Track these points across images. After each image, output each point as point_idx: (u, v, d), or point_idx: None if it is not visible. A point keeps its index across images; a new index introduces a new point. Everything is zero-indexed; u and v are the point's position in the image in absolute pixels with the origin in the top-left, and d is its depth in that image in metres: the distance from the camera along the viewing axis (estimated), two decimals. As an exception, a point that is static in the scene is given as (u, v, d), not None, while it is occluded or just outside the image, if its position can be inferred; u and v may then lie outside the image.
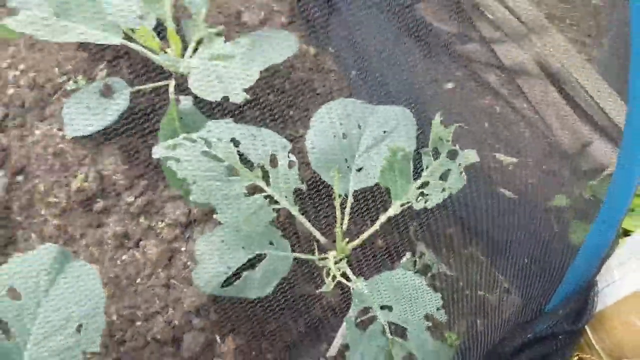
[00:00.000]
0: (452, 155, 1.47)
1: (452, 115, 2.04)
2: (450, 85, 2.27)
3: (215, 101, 1.60)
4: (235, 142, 1.52)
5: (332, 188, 1.54)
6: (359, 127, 1.70)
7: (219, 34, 1.98)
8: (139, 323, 1.50)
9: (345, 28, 2.14)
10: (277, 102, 1.99)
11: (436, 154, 1.50)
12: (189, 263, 1.61)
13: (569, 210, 1.51)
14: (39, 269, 1.25)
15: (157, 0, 1.88)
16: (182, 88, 1.83)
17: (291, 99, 2.03)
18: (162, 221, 1.70)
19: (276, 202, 1.51)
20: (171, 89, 1.84)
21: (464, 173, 1.41)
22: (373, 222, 1.57)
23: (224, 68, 1.66)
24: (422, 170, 1.52)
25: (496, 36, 2.37)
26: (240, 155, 1.50)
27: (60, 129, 1.84)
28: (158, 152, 1.43)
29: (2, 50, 1.99)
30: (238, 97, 1.58)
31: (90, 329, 1.21)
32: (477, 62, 2.29)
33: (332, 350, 1.55)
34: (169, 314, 1.51)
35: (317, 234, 1.59)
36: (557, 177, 1.81)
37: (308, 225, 1.58)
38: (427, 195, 1.45)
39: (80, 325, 1.20)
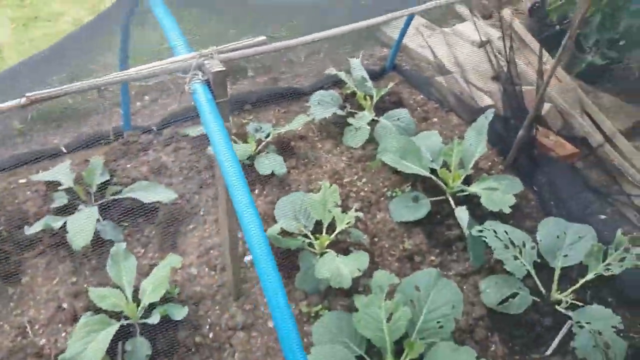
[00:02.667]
0: (627, 250, 2.86)
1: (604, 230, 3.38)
2: (602, 217, 3.64)
3: (493, 211, 3.13)
4: (506, 233, 3.01)
5: (550, 263, 2.97)
6: (564, 233, 3.14)
7: (487, 175, 3.57)
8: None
9: (545, 177, 3.65)
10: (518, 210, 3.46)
11: (617, 249, 2.89)
12: (473, 290, 3.04)
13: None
14: (429, 277, 2.75)
15: (469, 157, 3.52)
16: (457, 201, 3.39)
17: (512, 209, 3.50)
18: (453, 270, 3.17)
19: (524, 266, 2.94)
20: (452, 202, 3.41)
21: (635, 259, 2.79)
22: (573, 284, 2.94)
23: (494, 194, 3.21)
24: (607, 257, 2.91)
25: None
26: (509, 239, 2.99)
27: (389, 217, 3.44)
28: (474, 232, 2.95)
29: (365, 171, 3.70)
30: (506, 209, 3.10)
31: (457, 307, 2.65)
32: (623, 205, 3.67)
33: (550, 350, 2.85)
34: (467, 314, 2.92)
35: (541, 287, 2.98)
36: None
37: (538, 282, 2.98)
38: (610, 269, 2.83)
39: (453, 306, 2.65)
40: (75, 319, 2.77)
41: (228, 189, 1.58)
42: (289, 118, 4.17)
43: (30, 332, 2.73)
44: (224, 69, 1.80)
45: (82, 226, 2.90)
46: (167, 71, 1.81)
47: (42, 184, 3.45)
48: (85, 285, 2.93)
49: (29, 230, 2.99)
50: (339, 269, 2.76)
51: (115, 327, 2.49)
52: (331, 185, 3.26)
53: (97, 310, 2.65)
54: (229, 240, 2.58)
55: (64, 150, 3.87)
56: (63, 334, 2.72)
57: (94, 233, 2.92)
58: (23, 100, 1.62)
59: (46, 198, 3.35)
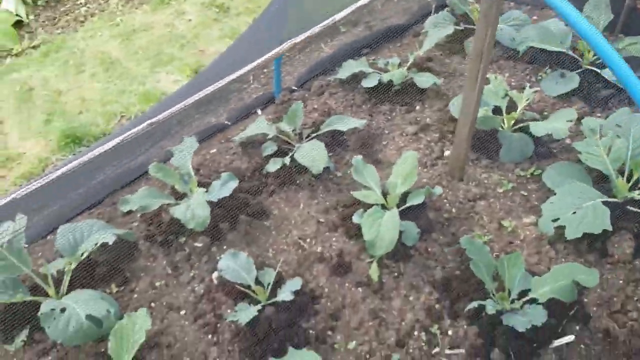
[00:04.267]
0: None
1: None
2: None
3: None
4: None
5: None
6: None
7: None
8: None
9: None
10: None
11: None
12: None
13: None
14: (624, 115, 3.16)
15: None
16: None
17: None
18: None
19: None
20: (593, 69, 3.83)
21: None
22: None
23: (638, 46, 3.64)
24: None
25: None
26: None
27: (545, 95, 3.86)
28: None
29: (500, 69, 4.11)
30: None
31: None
32: None
33: None
34: None
35: None
36: None
37: None
38: None
39: None
40: (335, 227, 3.18)
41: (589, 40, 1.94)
42: (407, 50, 4.59)
43: (305, 245, 3.13)
44: None
45: (314, 155, 3.31)
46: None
47: (236, 146, 3.85)
48: (327, 203, 3.33)
49: (271, 168, 3.43)
50: (553, 125, 3.19)
51: (395, 211, 2.89)
52: (496, 77, 3.68)
53: (364, 207, 3.05)
54: (469, 124, 2.98)
55: (228, 123, 4.26)
56: (333, 239, 3.12)
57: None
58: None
59: (247, 154, 3.75)
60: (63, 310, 2.66)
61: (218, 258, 3.06)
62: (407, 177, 3.04)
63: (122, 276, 3.12)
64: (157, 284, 3.04)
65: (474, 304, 2.51)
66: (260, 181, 3.54)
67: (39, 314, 2.66)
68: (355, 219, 3.02)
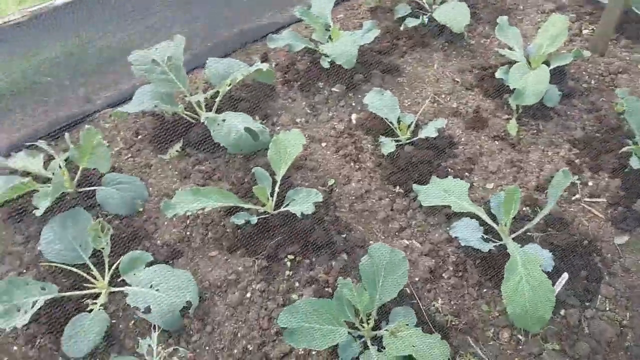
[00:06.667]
0: None
1: None
2: None
3: None
4: None
5: None
6: None
7: None
8: None
9: None
10: None
11: None
12: None
13: None
14: None
15: None
16: None
17: None
18: None
19: None
20: None
21: None
22: None
23: None
24: None
25: None
26: None
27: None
28: None
29: None
30: None
31: None
32: None
33: None
34: None
35: None
36: None
37: None
38: None
39: None
40: (472, 86, 3.24)
41: None
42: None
43: (440, 100, 3.21)
44: None
45: (455, 12, 3.35)
46: None
47: (364, 12, 3.89)
48: (461, 65, 3.38)
49: (410, 24, 3.51)
50: None
51: (544, 66, 2.91)
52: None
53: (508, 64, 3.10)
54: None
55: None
56: (470, 96, 3.19)
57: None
58: None
59: (377, 18, 3.79)
60: (224, 120, 2.86)
61: (354, 104, 3.19)
62: (556, 38, 3.04)
63: (263, 112, 3.26)
64: (298, 120, 3.19)
65: (624, 149, 2.56)
66: (391, 42, 3.59)
67: (202, 119, 2.86)
68: (499, 74, 3.07)
